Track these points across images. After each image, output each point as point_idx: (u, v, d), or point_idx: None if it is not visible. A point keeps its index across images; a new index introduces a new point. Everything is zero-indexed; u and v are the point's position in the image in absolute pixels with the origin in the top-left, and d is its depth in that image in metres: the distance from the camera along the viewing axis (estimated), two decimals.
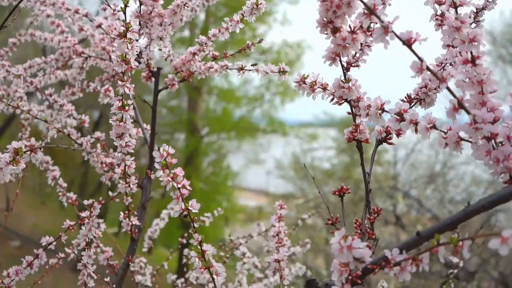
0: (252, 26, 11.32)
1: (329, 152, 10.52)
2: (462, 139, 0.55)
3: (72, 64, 1.26)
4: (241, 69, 0.97)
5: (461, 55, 0.56)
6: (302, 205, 8.79)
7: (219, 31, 0.93)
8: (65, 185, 1.11)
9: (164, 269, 1.49)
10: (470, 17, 0.73)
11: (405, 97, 0.70)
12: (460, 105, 0.53)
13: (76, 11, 1.12)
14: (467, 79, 0.56)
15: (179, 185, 0.63)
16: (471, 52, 0.55)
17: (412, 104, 0.70)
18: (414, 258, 0.51)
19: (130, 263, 1.00)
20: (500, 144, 0.53)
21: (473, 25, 0.72)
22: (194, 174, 10.56)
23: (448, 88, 0.52)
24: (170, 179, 0.63)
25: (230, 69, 0.98)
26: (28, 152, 0.66)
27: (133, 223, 0.98)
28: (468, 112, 0.52)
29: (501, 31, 9.31)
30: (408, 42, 0.52)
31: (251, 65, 0.94)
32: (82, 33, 1.17)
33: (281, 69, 0.87)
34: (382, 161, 9.12)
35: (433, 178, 6.03)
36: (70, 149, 0.95)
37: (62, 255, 1.14)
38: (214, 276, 0.66)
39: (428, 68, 0.51)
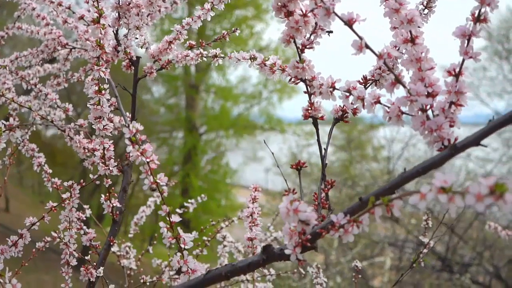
0: (249, 24, 11.37)
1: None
2: (403, 112, 0.60)
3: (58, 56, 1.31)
4: (215, 56, 1.01)
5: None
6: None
7: (192, 19, 0.98)
8: (50, 171, 1.16)
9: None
10: (422, 3, 0.77)
11: (361, 78, 0.75)
12: (397, 80, 0.57)
13: (59, 4, 1.16)
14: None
15: (148, 160, 0.68)
16: (410, 32, 0.59)
17: (368, 84, 0.75)
18: (355, 220, 0.55)
19: (111, 244, 1.05)
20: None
21: (426, 10, 0.77)
22: (193, 172, 10.61)
23: (385, 64, 0.57)
24: (139, 154, 0.67)
25: (205, 57, 1.03)
26: (7, 131, 0.70)
27: (114, 205, 1.03)
28: (404, 86, 0.57)
29: (496, 26, 9.35)
30: (349, 23, 0.56)
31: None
32: (66, 25, 1.21)
33: (252, 56, 0.91)
34: (379, 157, 9.17)
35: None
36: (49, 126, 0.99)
37: (49, 238, 1.18)
38: (182, 245, 0.70)
39: (367, 46, 0.56)
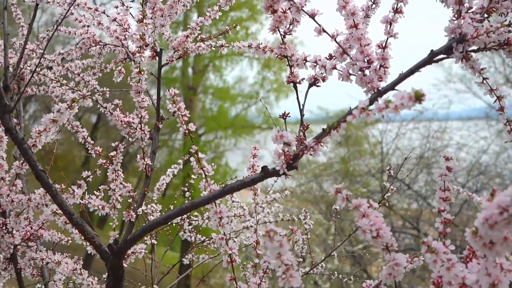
0: (244, 25, 11.70)
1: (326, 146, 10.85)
2: (350, 74, 0.91)
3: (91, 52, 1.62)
4: (221, 46, 1.33)
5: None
6: (298, 196, 9.15)
7: (204, 19, 1.30)
8: (92, 142, 1.47)
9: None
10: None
11: (328, 55, 1.06)
12: (344, 52, 0.88)
13: (96, 10, 1.47)
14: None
15: (182, 113, 0.99)
16: (353, 20, 0.90)
17: (333, 59, 1.05)
18: (319, 141, 0.86)
19: (145, 193, 1.36)
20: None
21: (373, 5, 1.08)
22: (193, 172, 10.89)
23: (336, 42, 0.88)
24: (177, 110, 0.99)
25: (213, 47, 1.35)
26: (82, 99, 1.01)
27: (147, 163, 1.34)
28: (348, 55, 0.88)
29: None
30: (312, 16, 0.87)
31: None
32: (100, 26, 1.52)
33: (250, 44, 1.23)
34: (376, 152, 9.51)
35: (419, 159, 6.42)
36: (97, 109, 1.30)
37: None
38: (206, 173, 1.02)
39: (323, 30, 0.87)
